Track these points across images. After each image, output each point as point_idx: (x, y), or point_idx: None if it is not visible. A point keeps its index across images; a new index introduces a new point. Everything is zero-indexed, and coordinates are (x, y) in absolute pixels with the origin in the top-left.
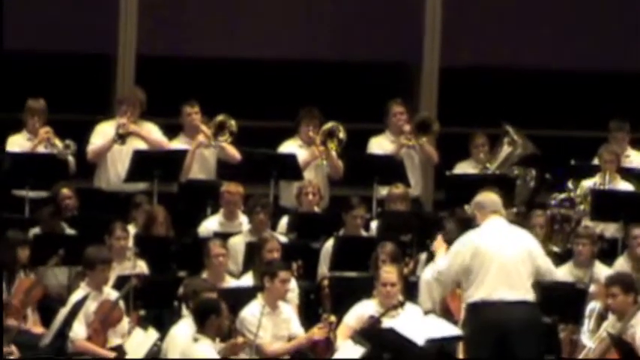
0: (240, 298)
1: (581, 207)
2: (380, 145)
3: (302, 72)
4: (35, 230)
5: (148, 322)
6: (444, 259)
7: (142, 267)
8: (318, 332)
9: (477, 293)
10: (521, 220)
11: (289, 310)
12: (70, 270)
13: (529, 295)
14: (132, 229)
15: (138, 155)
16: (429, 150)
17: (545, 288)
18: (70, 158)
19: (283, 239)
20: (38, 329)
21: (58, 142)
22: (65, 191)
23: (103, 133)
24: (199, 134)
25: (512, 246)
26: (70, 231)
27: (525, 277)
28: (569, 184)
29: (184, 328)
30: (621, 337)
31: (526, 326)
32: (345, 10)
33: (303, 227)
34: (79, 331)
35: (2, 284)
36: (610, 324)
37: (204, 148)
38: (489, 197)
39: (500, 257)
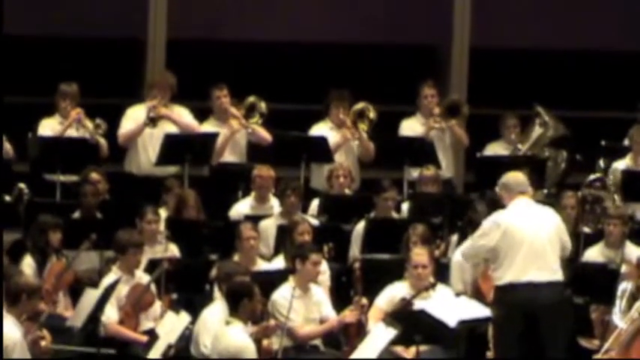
0: (271, 281)
1: (615, 197)
2: (411, 127)
3: (332, 54)
4: (74, 214)
5: (180, 305)
6: (472, 239)
7: (173, 250)
8: (349, 315)
9: (506, 275)
10: (552, 201)
11: (320, 293)
12: (101, 254)
13: (557, 276)
14: (163, 213)
15: (169, 139)
16: (459, 132)
17: (577, 268)
18: (102, 140)
19: (314, 222)
20: (69, 313)
21: (89, 123)
22: (95, 175)
23: (133, 117)
24: (230, 118)
25: (540, 226)
26: (100, 215)
27: (553, 258)
28: (601, 163)
29: (216, 311)
30: None
31: (555, 307)
32: None
33: (334, 210)
34: (110, 314)
35: (2, 270)
36: None
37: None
38: (515, 178)
39: (528, 239)
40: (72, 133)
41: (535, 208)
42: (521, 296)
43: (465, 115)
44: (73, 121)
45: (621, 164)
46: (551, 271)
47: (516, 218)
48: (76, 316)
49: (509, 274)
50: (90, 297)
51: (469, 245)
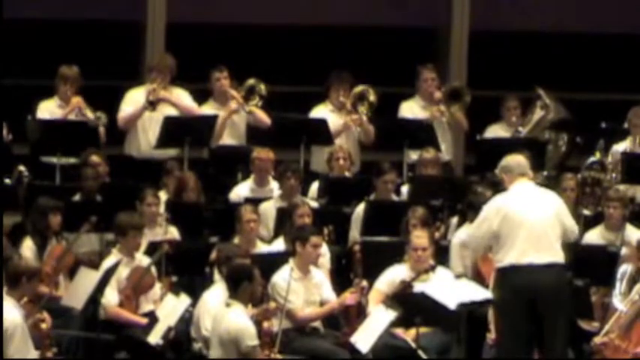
0: (271, 263)
1: (613, 174)
2: (411, 109)
3: (332, 36)
4: (74, 197)
5: (180, 288)
6: (474, 225)
7: (173, 233)
8: (349, 297)
9: (506, 258)
10: (552, 183)
11: (321, 275)
12: (101, 237)
13: (558, 258)
14: (163, 196)
15: (168, 121)
16: (460, 117)
17: (577, 251)
18: (101, 129)
19: (314, 204)
20: None
21: (89, 113)
22: (95, 158)
23: (133, 100)
24: (230, 100)
25: (540, 209)
26: (100, 198)
27: (554, 240)
28: (601, 142)
29: (217, 293)
30: None
31: (555, 290)
32: None
33: (334, 192)
34: (111, 297)
35: (2, 253)
36: None
37: (233, 114)
38: (516, 160)
39: (528, 221)
40: (71, 117)
41: (536, 190)
42: (521, 279)
43: (467, 103)
44: (73, 109)
45: (621, 146)
46: (552, 254)
47: (516, 201)
48: (72, 297)
49: (510, 256)
50: (86, 277)
51: (472, 232)
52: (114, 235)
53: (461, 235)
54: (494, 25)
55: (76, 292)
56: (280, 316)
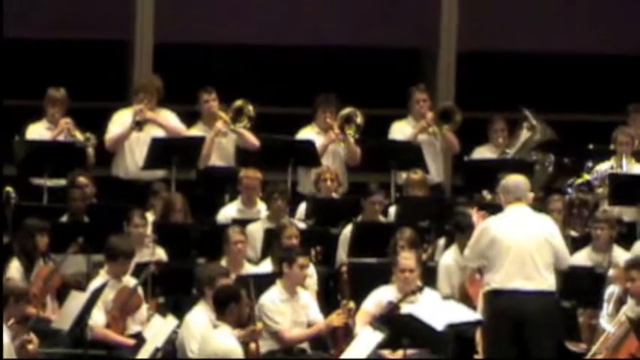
0: (259, 284)
1: (599, 190)
2: (402, 130)
3: (320, 58)
4: (62, 218)
5: (167, 309)
6: (468, 245)
7: (160, 254)
8: (337, 318)
9: (492, 281)
10: (539, 205)
11: (308, 297)
12: (88, 258)
13: (545, 285)
14: (150, 217)
15: (156, 143)
16: (451, 138)
17: (564, 273)
18: (90, 150)
19: (302, 225)
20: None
21: (79, 134)
22: (82, 179)
23: (120, 121)
24: (217, 121)
25: (530, 235)
26: (87, 219)
27: (542, 267)
28: (589, 165)
29: (199, 314)
30: None
31: (540, 317)
32: None
33: (322, 213)
34: (97, 318)
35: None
36: (629, 308)
37: (222, 136)
38: (515, 182)
39: (516, 247)
40: (60, 139)
41: (529, 215)
42: (506, 304)
43: (458, 123)
44: (62, 131)
45: (604, 165)
46: (539, 281)
47: (506, 225)
48: (62, 319)
49: (495, 280)
50: (76, 300)
51: (466, 253)
52: (103, 257)
53: (448, 256)
54: (481, 46)
55: (65, 314)
56: (269, 338)
